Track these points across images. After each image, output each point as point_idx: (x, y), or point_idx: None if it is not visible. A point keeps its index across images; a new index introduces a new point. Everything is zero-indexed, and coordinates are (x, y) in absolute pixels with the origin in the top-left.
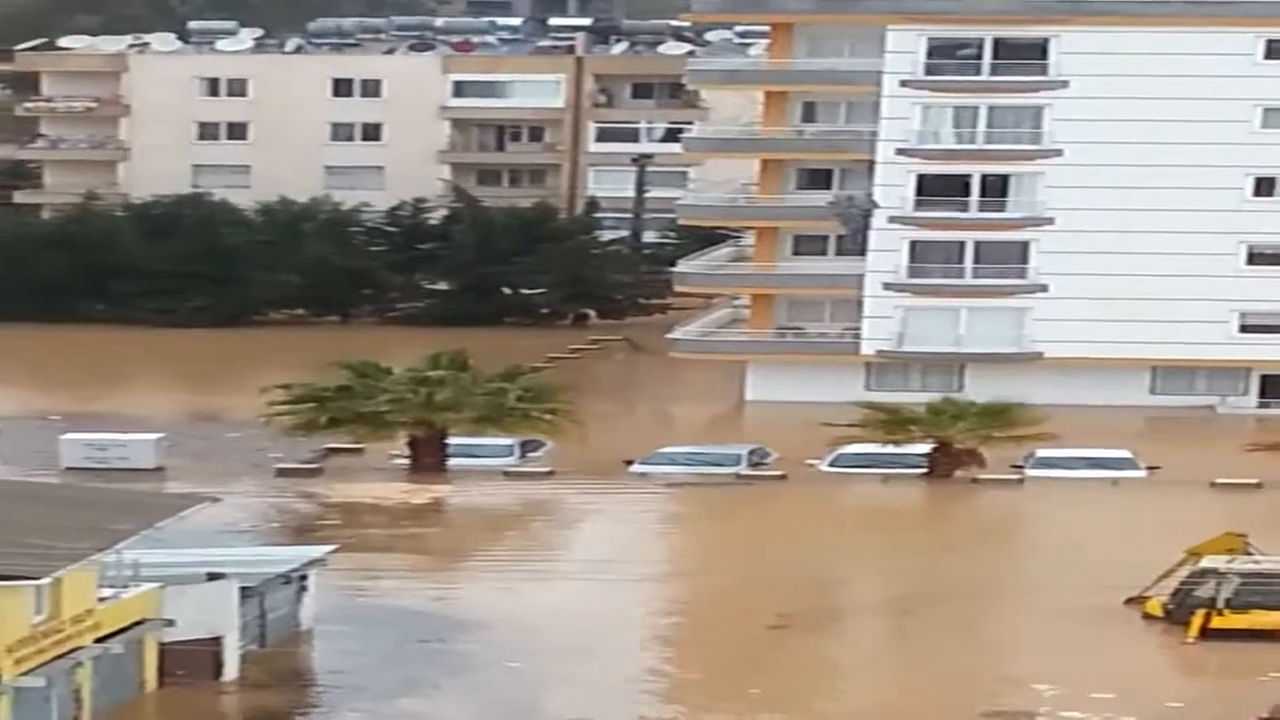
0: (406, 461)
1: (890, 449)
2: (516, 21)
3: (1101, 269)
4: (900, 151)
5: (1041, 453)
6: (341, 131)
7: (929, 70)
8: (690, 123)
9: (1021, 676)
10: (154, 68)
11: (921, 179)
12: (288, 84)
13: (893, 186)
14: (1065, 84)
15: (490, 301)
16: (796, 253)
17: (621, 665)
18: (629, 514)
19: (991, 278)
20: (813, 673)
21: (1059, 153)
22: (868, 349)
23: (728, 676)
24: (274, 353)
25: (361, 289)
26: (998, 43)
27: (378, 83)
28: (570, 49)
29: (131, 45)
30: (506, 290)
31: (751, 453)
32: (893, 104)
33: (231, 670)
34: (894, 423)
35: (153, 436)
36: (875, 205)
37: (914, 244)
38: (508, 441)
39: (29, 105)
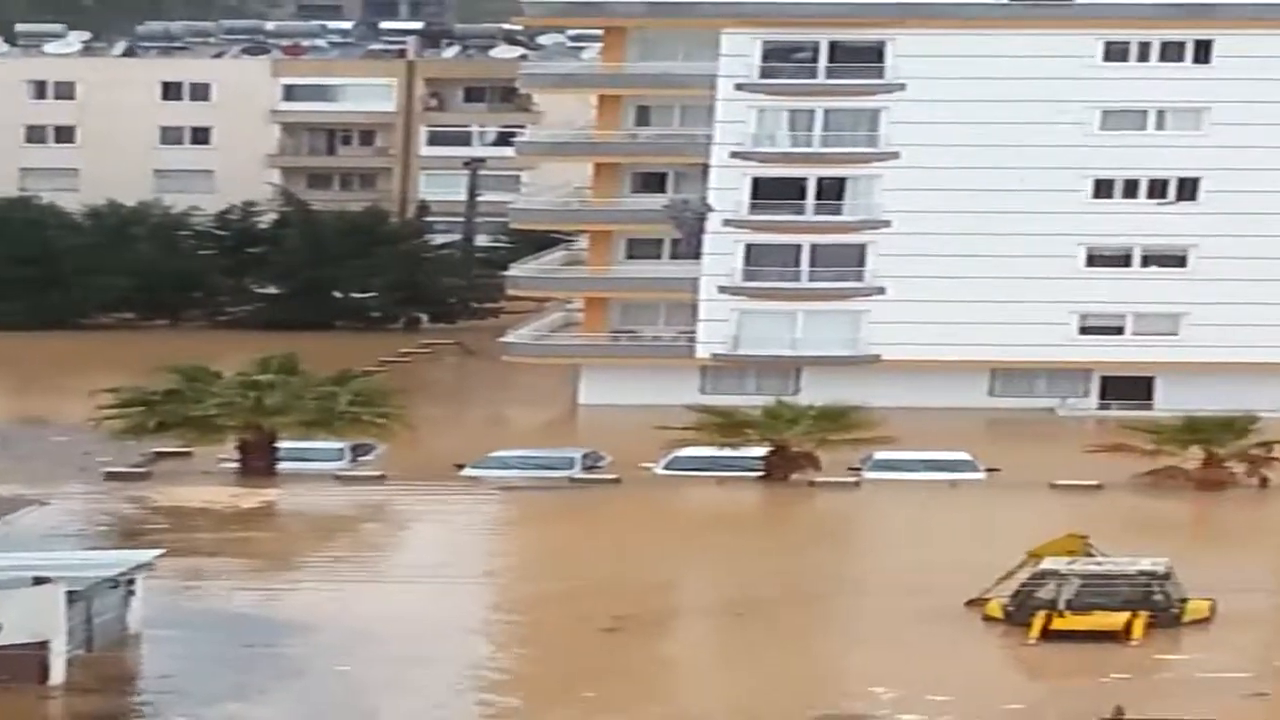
0: (236, 465)
1: (726, 452)
2: (347, 25)
3: (939, 271)
4: (735, 155)
5: (879, 455)
6: (171, 135)
7: (764, 73)
8: (523, 127)
9: (858, 679)
10: None
11: (757, 182)
12: (116, 87)
13: (727, 190)
14: (902, 87)
15: (321, 306)
16: (630, 256)
17: (453, 670)
18: (461, 518)
19: (828, 280)
20: (647, 676)
21: (896, 155)
22: (703, 352)
23: (561, 680)
24: (103, 356)
25: (191, 293)
26: (833, 46)
27: (207, 86)
28: (401, 53)
29: None
30: (337, 294)
31: (585, 456)
32: (727, 107)
33: (58, 675)
34: (729, 426)
35: None
36: (710, 208)
37: (749, 247)
38: (338, 445)
39: None
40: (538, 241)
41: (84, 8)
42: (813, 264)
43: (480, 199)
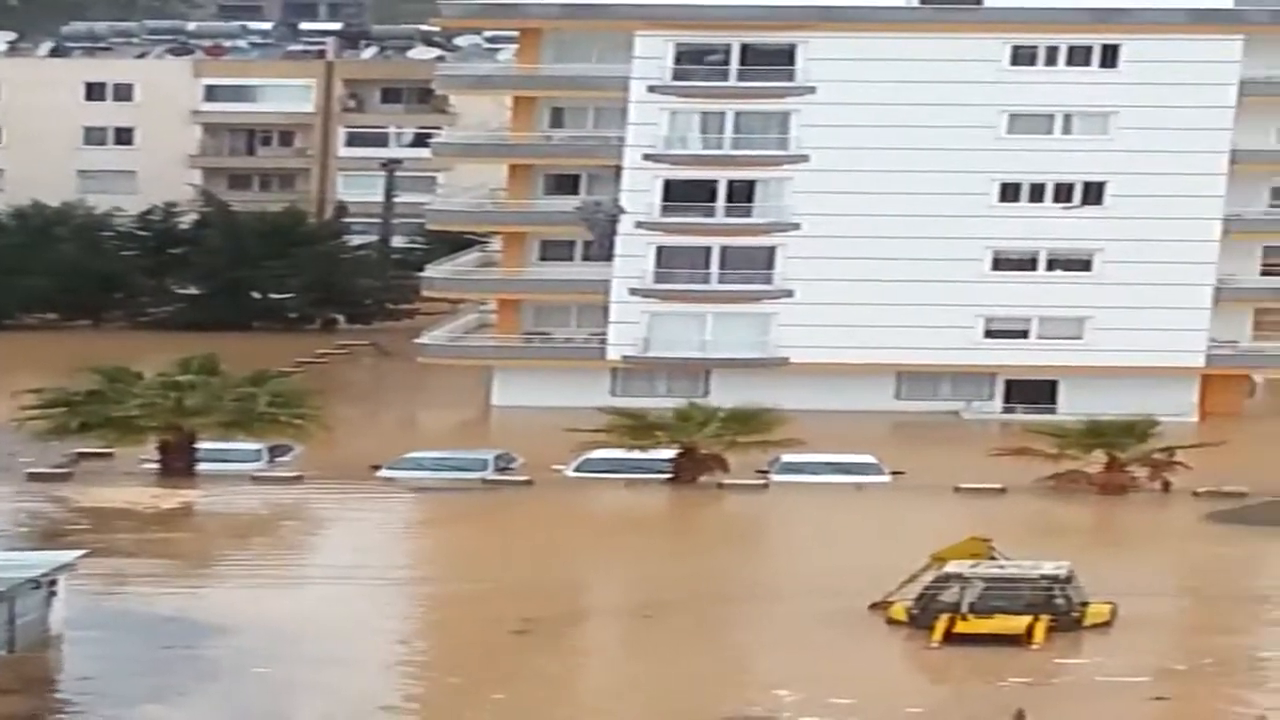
0: (156, 466)
1: (636, 454)
2: (267, 26)
3: (847, 274)
4: (647, 157)
5: (786, 458)
6: (94, 135)
7: (677, 76)
8: (439, 128)
9: (762, 681)
10: None
11: (669, 184)
12: (40, 88)
13: (640, 192)
14: (812, 90)
15: (240, 306)
16: (544, 258)
17: (367, 672)
18: (376, 519)
19: (737, 283)
20: (555, 678)
21: (806, 158)
22: (614, 354)
23: (472, 682)
24: (25, 357)
25: (113, 293)
26: (745, 49)
27: (130, 87)
28: (320, 54)
29: None
30: (256, 295)
31: (498, 458)
32: (640, 109)
33: None
34: (640, 428)
35: None
36: (622, 210)
37: (660, 249)
38: (256, 446)
39: None
40: (453, 243)
41: (9, 8)
42: (723, 266)
43: (397, 200)
